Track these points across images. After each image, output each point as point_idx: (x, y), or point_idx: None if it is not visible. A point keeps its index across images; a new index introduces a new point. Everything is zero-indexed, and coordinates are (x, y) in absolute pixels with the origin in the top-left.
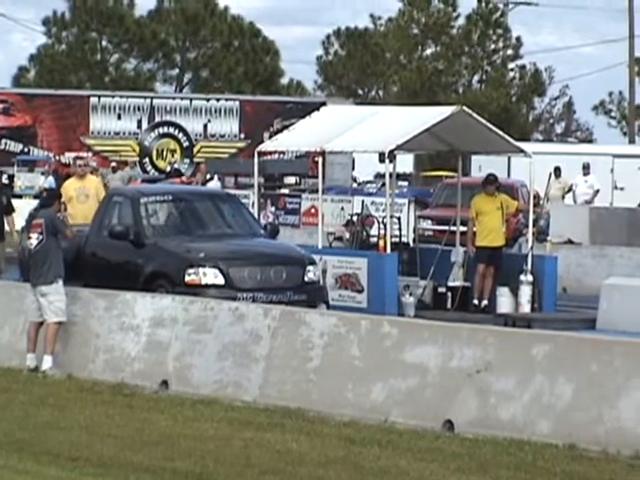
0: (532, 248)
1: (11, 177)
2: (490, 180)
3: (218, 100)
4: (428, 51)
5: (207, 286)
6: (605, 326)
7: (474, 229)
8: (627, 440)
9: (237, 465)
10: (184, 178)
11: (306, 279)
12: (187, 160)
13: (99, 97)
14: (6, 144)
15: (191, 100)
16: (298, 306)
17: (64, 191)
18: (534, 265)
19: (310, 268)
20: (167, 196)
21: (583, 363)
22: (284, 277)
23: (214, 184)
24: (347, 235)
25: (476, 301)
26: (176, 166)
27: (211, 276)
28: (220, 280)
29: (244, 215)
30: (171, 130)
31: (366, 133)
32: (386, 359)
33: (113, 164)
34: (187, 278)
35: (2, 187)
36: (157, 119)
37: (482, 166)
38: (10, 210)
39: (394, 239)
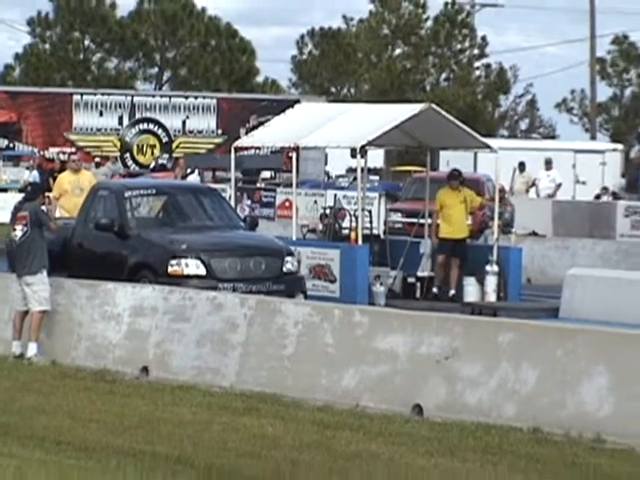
0: (498, 240)
1: None
2: (454, 175)
3: (196, 98)
4: (398, 51)
5: (189, 276)
6: (568, 315)
7: (438, 221)
8: (589, 424)
9: (215, 449)
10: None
11: (284, 270)
12: (166, 155)
13: (82, 95)
14: None
15: (170, 98)
16: (277, 296)
17: (59, 184)
18: (499, 256)
19: (288, 259)
20: (150, 190)
21: (547, 350)
22: (263, 268)
23: (194, 178)
24: (320, 227)
25: (435, 289)
26: (160, 161)
27: (193, 267)
28: (202, 271)
29: (225, 208)
30: (151, 126)
31: (338, 129)
32: (358, 347)
33: (97, 159)
34: (170, 269)
35: None
36: (137, 116)
37: (450, 161)
38: None
39: (365, 231)
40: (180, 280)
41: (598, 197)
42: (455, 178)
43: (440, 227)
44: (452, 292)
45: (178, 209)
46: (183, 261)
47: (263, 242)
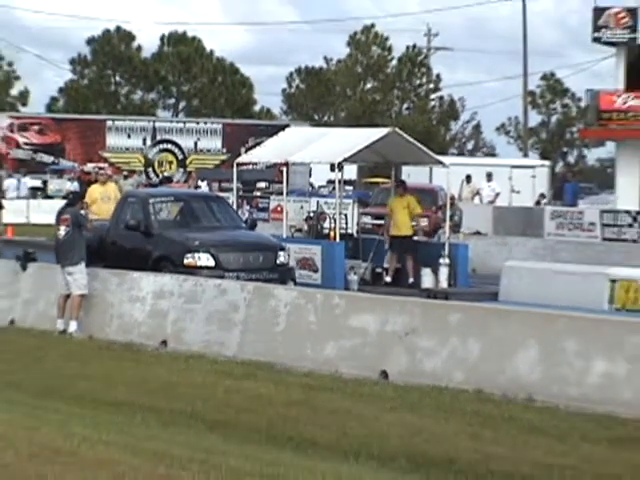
0: (449, 238)
1: (45, 182)
2: (399, 184)
3: (205, 123)
4: (368, 85)
5: (201, 267)
6: (505, 298)
7: (390, 222)
8: (522, 386)
9: (219, 406)
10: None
11: (278, 262)
12: (181, 169)
13: (113, 121)
14: (41, 157)
15: (184, 123)
16: (272, 283)
17: (90, 194)
18: (450, 251)
19: (281, 253)
20: (170, 197)
21: (488, 327)
22: (261, 260)
23: (203, 188)
24: (305, 227)
25: (389, 278)
26: (165, 174)
27: (204, 259)
28: (211, 262)
29: (230, 212)
30: (169, 146)
31: (320, 148)
32: (336, 324)
33: (125, 172)
34: (186, 261)
35: None
36: (158, 137)
37: (410, 174)
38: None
39: (342, 231)
40: (194, 270)
41: (538, 203)
42: (399, 186)
43: (391, 227)
44: (411, 280)
45: (192, 213)
46: (196, 255)
47: (261, 239)
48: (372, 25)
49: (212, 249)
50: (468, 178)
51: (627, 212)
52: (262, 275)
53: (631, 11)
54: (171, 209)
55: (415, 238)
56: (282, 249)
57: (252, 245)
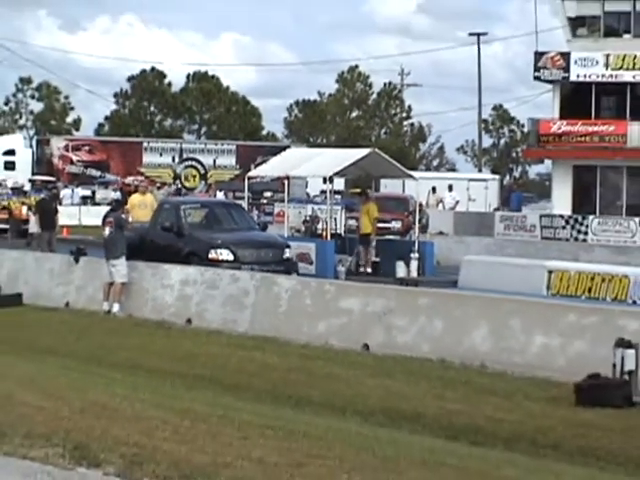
0: (418, 237)
1: (93, 192)
2: (361, 193)
3: (222, 144)
4: (353, 114)
5: (222, 261)
6: (463, 285)
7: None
8: (477, 356)
9: (234, 372)
10: (200, 193)
11: (284, 257)
12: (203, 182)
13: (148, 142)
14: (90, 172)
15: (205, 144)
16: (279, 274)
17: (131, 202)
18: (419, 247)
19: (287, 250)
20: (197, 204)
21: (450, 309)
22: (271, 255)
23: (220, 197)
24: (303, 229)
25: (369, 269)
26: (178, 186)
27: (225, 254)
28: (231, 257)
29: (245, 216)
30: (193, 163)
31: (314, 165)
32: (327, 306)
33: (158, 184)
34: (210, 256)
35: (56, 197)
36: (184, 156)
37: (387, 186)
38: (57, 211)
39: (332, 231)
40: (216, 263)
41: (497, 209)
42: (361, 195)
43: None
44: (369, 270)
45: (215, 217)
46: (219, 250)
47: (270, 238)
48: (356, 66)
49: (231, 246)
50: (434, 189)
51: (561, 216)
52: (271, 267)
53: (564, 55)
54: (198, 214)
55: (372, 236)
56: (288, 247)
57: (263, 243)
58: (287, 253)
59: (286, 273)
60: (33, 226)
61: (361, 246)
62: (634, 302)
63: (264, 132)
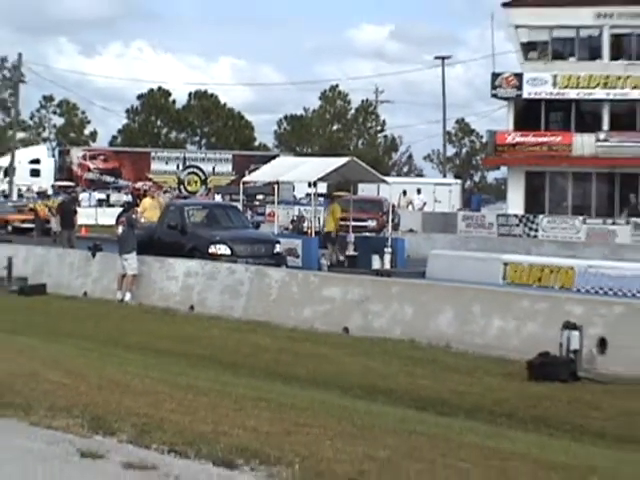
0: (391, 234)
1: (108, 196)
2: (328, 195)
3: (220, 154)
4: (334, 127)
5: (221, 255)
6: (430, 276)
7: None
8: (442, 338)
9: (231, 352)
10: (201, 196)
11: (275, 251)
12: (203, 186)
13: (155, 152)
14: (105, 178)
15: (206, 154)
16: (270, 266)
17: (143, 204)
18: (392, 243)
19: (277, 245)
20: (199, 206)
21: (418, 296)
22: (263, 250)
23: (219, 199)
24: (291, 227)
25: (342, 257)
26: (189, 189)
27: (223, 249)
28: (228, 251)
29: (240, 216)
30: (195, 170)
31: (301, 171)
32: (312, 294)
33: (164, 189)
34: (210, 250)
35: (75, 200)
36: (187, 164)
37: (364, 190)
38: (76, 212)
39: (316, 229)
40: (216, 257)
41: (460, 209)
42: (327, 197)
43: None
44: (341, 258)
45: (214, 216)
46: (217, 246)
47: (262, 235)
48: (337, 85)
49: (228, 242)
50: (404, 192)
51: (515, 216)
52: (264, 261)
53: (517, 75)
54: (200, 214)
55: (333, 234)
56: (278, 242)
57: (257, 239)
58: (277, 248)
59: (276, 266)
60: (54, 225)
61: (328, 243)
62: (578, 290)
63: (256, 143)
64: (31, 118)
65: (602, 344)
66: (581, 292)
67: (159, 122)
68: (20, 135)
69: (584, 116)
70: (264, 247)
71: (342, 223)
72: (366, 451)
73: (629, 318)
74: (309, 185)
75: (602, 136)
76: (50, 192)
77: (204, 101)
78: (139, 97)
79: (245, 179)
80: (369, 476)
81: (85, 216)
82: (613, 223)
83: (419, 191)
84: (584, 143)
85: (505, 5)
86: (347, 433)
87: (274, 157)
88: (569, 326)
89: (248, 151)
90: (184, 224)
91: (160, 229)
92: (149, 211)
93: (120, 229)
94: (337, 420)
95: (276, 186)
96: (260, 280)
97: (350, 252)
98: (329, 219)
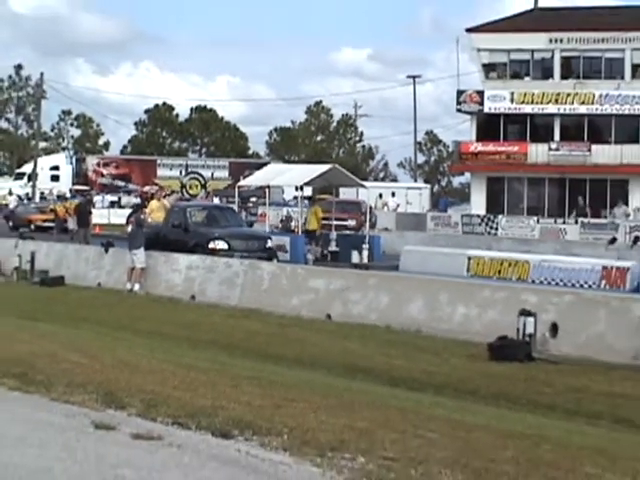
0: (368, 232)
1: (119, 198)
2: (310, 198)
3: (218, 161)
4: (319, 138)
5: (219, 250)
6: (403, 269)
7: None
8: (414, 323)
9: (227, 336)
10: (202, 199)
11: (267, 246)
12: (203, 190)
13: (161, 160)
14: (117, 182)
15: (205, 161)
16: (263, 260)
17: (150, 206)
18: (369, 240)
19: (269, 241)
20: (199, 207)
21: (393, 286)
22: (256, 245)
23: (217, 201)
24: (280, 226)
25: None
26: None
27: (221, 245)
28: (225, 246)
29: (236, 216)
30: (196, 175)
31: (289, 177)
32: (299, 285)
33: (169, 192)
34: (209, 246)
35: (90, 202)
36: (189, 170)
37: (345, 193)
38: (90, 213)
39: (303, 228)
40: (215, 252)
41: (429, 210)
42: (309, 199)
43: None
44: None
45: (213, 216)
46: (216, 242)
47: (256, 232)
48: (321, 101)
49: (226, 238)
50: (380, 195)
51: (478, 216)
52: (257, 255)
53: (479, 92)
54: (200, 214)
55: (318, 232)
56: (269, 238)
57: (251, 236)
58: (269, 243)
59: (268, 259)
60: (72, 224)
61: (311, 240)
62: (533, 281)
63: (250, 152)
64: (52, 130)
65: (554, 329)
66: (535, 283)
67: (164, 133)
68: (42, 145)
69: (538, 128)
70: (257, 242)
71: (325, 222)
72: (346, 422)
73: (577, 306)
74: (296, 189)
75: (554, 146)
76: (68, 195)
77: (204, 115)
78: (146, 111)
79: (240, 183)
80: (349, 444)
81: (99, 216)
82: (563, 222)
83: (393, 194)
84: (538, 152)
85: (469, 30)
86: (329, 407)
87: (265, 164)
88: (525, 313)
89: (243, 159)
90: (187, 223)
91: (165, 228)
92: (156, 212)
93: (130, 227)
94: (321, 396)
95: (267, 190)
96: (253, 273)
97: (332, 248)
98: (312, 219)
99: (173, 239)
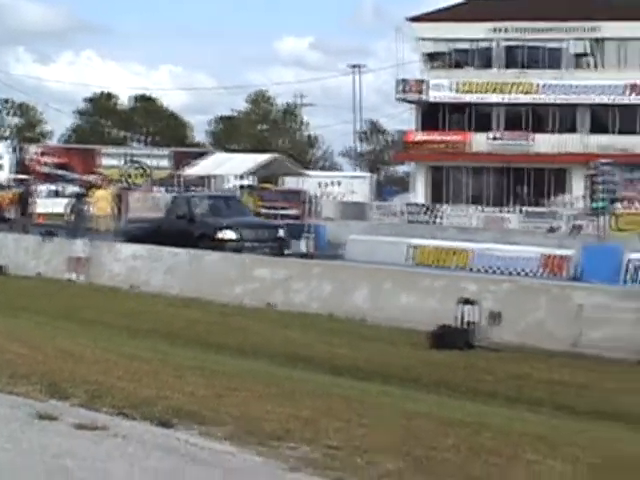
0: (312, 220)
1: (60, 187)
2: (249, 187)
3: (161, 150)
4: (262, 127)
5: (228, 240)
6: (348, 258)
7: None
8: (358, 312)
9: (168, 324)
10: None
11: (278, 236)
12: (147, 179)
13: (103, 149)
14: (57, 171)
15: (149, 150)
16: (275, 251)
17: (95, 196)
18: (314, 229)
19: (280, 231)
20: (204, 196)
21: (337, 274)
22: (267, 235)
23: (162, 191)
24: None
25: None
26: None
27: (230, 234)
28: (235, 236)
29: (242, 206)
30: (139, 165)
31: (231, 166)
32: (245, 274)
33: (112, 181)
34: (218, 236)
35: (30, 191)
36: (132, 159)
37: (288, 182)
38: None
39: None
40: (223, 242)
41: (373, 199)
42: (248, 187)
43: None
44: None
45: (219, 206)
46: (225, 231)
47: (266, 221)
48: (263, 90)
49: (236, 227)
50: (324, 184)
51: (421, 205)
52: (268, 245)
53: (422, 82)
54: (204, 204)
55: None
56: (281, 227)
57: (261, 225)
58: (280, 233)
59: (280, 249)
60: (11, 213)
61: None
62: (472, 270)
63: (193, 141)
64: None
65: (494, 316)
66: (475, 271)
67: (107, 122)
68: None
69: (480, 118)
70: (268, 232)
71: (268, 212)
72: (290, 412)
73: (517, 294)
74: (240, 177)
75: (496, 135)
76: (9, 184)
77: (147, 104)
78: (86, 100)
79: (183, 173)
80: (294, 433)
81: (40, 206)
82: (506, 211)
83: (338, 183)
84: (480, 141)
85: (410, 20)
86: (271, 395)
87: (207, 153)
88: (464, 301)
89: (185, 148)
90: (192, 213)
91: (168, 219)
92: (101, 201)
93: (70, 217)
94: (263, 384)
95: (210, 179)
96: (199, 262)
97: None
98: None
99: (177, 230)
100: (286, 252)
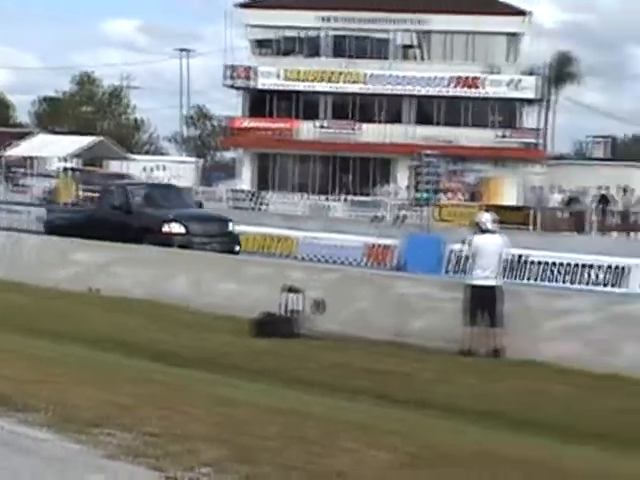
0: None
1: None
2: (72, 169)
3: None
4: (87, 109)
5: (175, 234)
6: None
7: None
8: (182, 299)
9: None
10: None
11: (228, 230)
12: None
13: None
14: None
15: None
16: (225, 246)
17: None
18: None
19: (230, 224)
20: (142, 185)
21: (160, 261)
22: (217, 229)
23: None
24: (44, 197)
25: None
26: None
27: (177, 228)
28: (183, 230)
29: (185, 196)
30: None
31: (56, 147)
32: (64, 258)
33: None
34: (163, 230)
35: None
36: None
37: (113, 165)
38: None
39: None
40: (169, 236)
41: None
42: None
43: None
44: None
45: (160, 196)
46: (171, 225)
47: (215, 214)
48: (89, 71)
49: (183, 220)
50: (149, 169)
51: (246, 191)
52: (218, 240)
53: (250, 68)
54: (143, 193)
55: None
56: (230, 221)
57: (210, 218)
58: (230, 227)
59: (230, 246)
60: None
61: None
62: (297, 258)
63: (16, 121)
64: None
65: (317, 305)
66: (300, 259)
67: None
68: None
69: (307, 106)
70: (218, 226)
71: (91, 195)
72: (109, 398)
73: (341, 283)
74: (64, 160)
75: (323, 124)
76: None
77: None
78: None
79: (6, 153)
80: (112, 419)
81: None
82: (332, 199)
83: (163, 168)
84: (307, 129)
85: (240, 6)
86: (92, 381)
87: (30, 134)
88: (288, 289)
89: (7, 128)
90: (129, 204)
91: (100, 210)
92: None
93: None
94: (84, 370)
95: (33, 160)
96: (20, 246)
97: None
98: (65, 192)
99: (112, 223)
100: (237, 249)
